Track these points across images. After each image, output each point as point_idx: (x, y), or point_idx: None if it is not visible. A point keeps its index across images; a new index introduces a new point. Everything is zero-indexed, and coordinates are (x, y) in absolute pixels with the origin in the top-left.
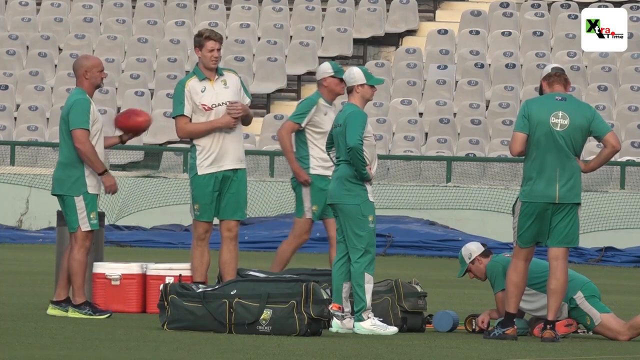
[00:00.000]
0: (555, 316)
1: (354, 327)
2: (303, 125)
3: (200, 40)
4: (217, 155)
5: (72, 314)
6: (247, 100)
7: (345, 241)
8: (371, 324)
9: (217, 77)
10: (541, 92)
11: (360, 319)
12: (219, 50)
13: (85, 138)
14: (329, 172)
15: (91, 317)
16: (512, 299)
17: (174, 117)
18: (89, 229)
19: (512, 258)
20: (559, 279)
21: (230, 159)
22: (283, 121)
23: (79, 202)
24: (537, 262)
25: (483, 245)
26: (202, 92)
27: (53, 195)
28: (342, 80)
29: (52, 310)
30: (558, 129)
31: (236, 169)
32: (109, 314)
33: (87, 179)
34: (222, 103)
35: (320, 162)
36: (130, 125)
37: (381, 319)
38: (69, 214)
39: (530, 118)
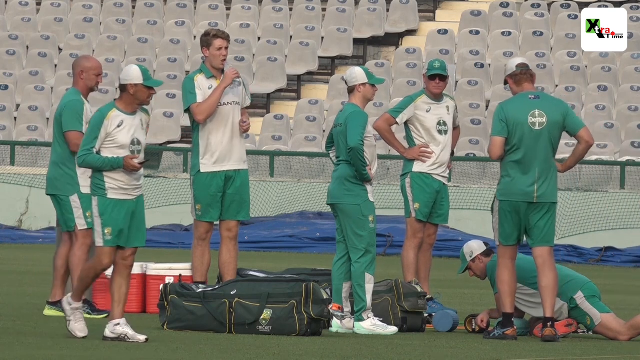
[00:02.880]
0: (553, 313)
1: (354, 327)
2: (399, 121)
3: (207, 39)
4: (220, 155)
5: None
6: (248, 102)
7: (345, 241)
8: (371, 324)
9: (223, 76)
10: (506, 84)
11: (361, 319)
12: (226, 48)
13: (80, 140)
14: (432, 170)
15: (89, 316)
16: (507, 299)
17: (186, 109)
18: (86, 227)
19: (498, 259)
20: (548, 276)
21: (233, 158)
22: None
23: (74, 202)
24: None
25: (485, 244)
26: (209, 89)
27: (48, 195)
28: (432, 77)
29: (48, 311)
30: (537, 127)
31: (239, 170)
32: (106, 314)
33: (80, 178)
34: (228, 103)
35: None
36: None
37: (381, 319)
38: (64, 213)
39: (507, 121)
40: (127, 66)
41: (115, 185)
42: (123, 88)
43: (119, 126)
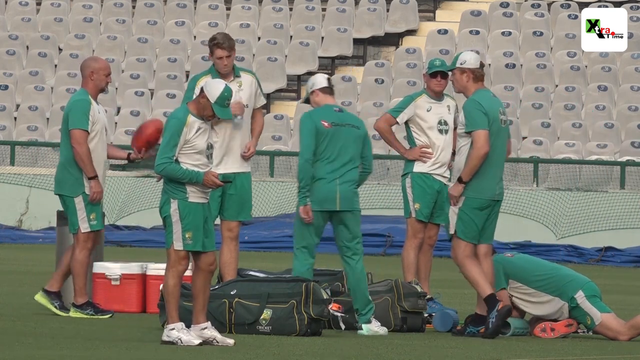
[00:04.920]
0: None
1: (362, 328)
2: (399, 121)
3: (210, 46)
4: (219, 156)
5: (74, 314)
6: (260, 102)
7: (345, 245)
8: (377, 326)
9: (233, 78)
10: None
11: (370, 321)
12: (228, 57)
13: (83, 139)
14: (433, 170)
15: (93, 317)
16: (485, 283)
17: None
18: (89, 230)
19: (462, 257)
20: (490, 275)
21: (231, 162)
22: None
23: (78, 203)
24: (538, 261)
25: None
26: None
27: (55, 194)
28: (433, 75)
29: (40, 297)
30: (503, 125)
31: (238, 172)
32: (110, 314)
33: (85, 180)
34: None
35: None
36: (145, 140)
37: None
38: (69, 214)
39: (487, 115)
40: (218, 80)
41: (195, 188)
42: (200, 92)
43: (196, 132)
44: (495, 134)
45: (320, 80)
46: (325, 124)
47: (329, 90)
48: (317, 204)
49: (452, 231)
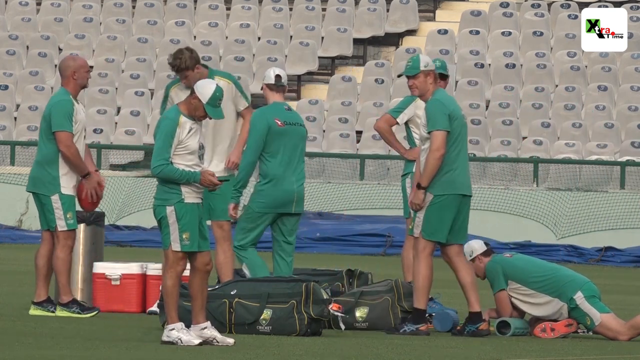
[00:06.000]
0: (480, 306)
1: None
2: (400, 121)
3: None
4: (210, 161)
5: (60, 312)
6: (242, 104)
7: (286, 241)
8: None
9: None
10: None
11: None
12: (186, 77)
13: (70, 141)
14: None
15: (79, 315)
16: (425, 296)
17: None
18: (66, 228)
19: (418, 253)
20: (470, 272)
21: (215, 165)
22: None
23: (55, 202)
24: (536, 262)
25: (486, 244)
26: None
27: (28, 192)
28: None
29: (34, 311)
30: (465, 120)
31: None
32: (96, 311)
33: (61, 179)
34: None
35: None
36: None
37: None
38: (45, 212)
39: (450, 114)
40: (208, 80)
41: (190, 189)
42: (192, 93)
43: (189, 132)
44: (460, 131)
45: (270, 75)
46: (279, 122)
47: (275, 87)
48: (272, 206)
49: (416, 234)
